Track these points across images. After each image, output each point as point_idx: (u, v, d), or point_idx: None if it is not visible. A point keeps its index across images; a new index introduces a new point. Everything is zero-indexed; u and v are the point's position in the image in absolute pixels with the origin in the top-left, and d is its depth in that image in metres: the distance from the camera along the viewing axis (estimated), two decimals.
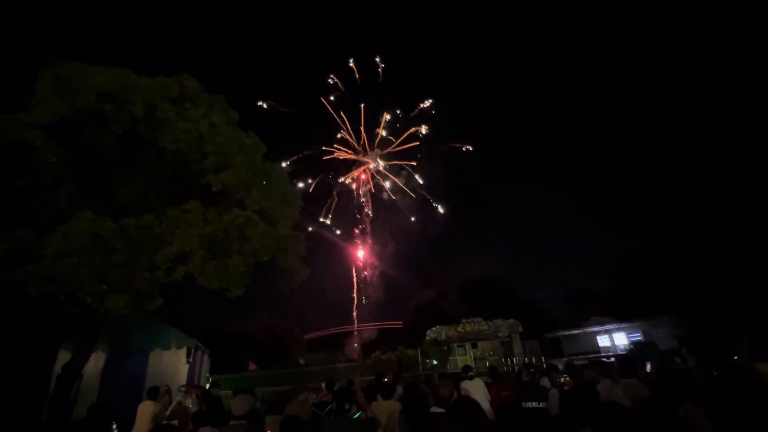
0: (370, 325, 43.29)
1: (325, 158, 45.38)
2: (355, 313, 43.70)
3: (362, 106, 45.20)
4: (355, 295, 44.70)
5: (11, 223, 6.60)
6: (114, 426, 6.43)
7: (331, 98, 45.60)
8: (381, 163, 46.22)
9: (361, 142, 46.33)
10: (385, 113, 45.60)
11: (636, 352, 15.10)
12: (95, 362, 9.35)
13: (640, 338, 21.02)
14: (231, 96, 9.82)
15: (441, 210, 45.19)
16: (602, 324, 23.46)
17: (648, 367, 8.06)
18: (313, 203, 44.61)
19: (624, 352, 19.48)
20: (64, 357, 8.04)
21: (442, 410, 3.27)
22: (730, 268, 20.21)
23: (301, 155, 44.39)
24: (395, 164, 46.64)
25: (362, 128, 45.71)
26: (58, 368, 7.75)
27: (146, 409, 6.21)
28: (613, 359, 14.14)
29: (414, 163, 45.87)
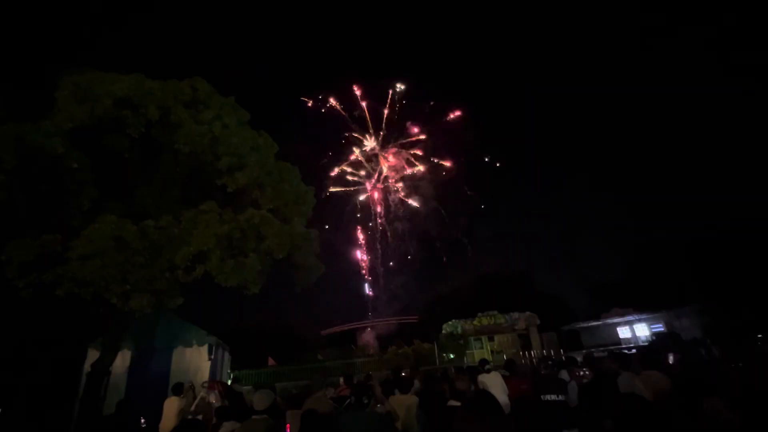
0: (387, 320, 43.53)
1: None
2: (370, 309, 44.05)
3: (390, 92, 45.06)
4: (371, 291, 45.04)
5: (39, 228, 6.87)
6: (142, 420, 6.68)
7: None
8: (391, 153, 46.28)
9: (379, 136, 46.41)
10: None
11: (658, 343, 14.76)
12: (122, 360, 9.69)
13: (662, 329, 20.52)
14: (241, 95, 9.93)
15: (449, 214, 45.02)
16: (623, 315, 22.95)
17: (670, 359, 7.88)
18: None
19: (645, 344, 19.06)
20: (92, 355, 8.37)
21: (459, 403, 3.28)
22: (754, 257, 19.51)
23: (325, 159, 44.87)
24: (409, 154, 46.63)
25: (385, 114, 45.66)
26: (87, 366, 8.07)
27: (172, 405, 6.43)
28: (634, 351, 13.87)
29: (421, 153, 45.74)
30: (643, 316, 21.98)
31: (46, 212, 7.42)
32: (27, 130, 6.91)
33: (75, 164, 7.32)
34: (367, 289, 46.10)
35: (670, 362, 7.69)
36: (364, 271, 46.99)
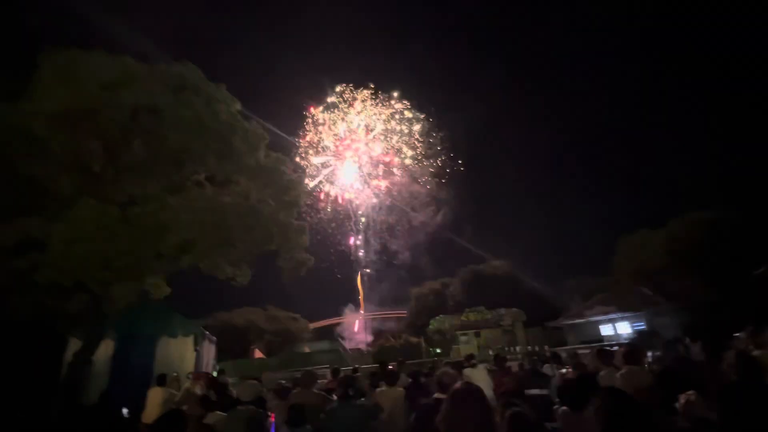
0: (375, 314, 43.76)
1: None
2: (359, 302, 44.19)
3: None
4: (360, 283, 45.17)
5: (18, 212, 6.66)
6: (125, 411, 6.59)
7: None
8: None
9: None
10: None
11: (639, 340, 15.14)
12: (105, 350, 9.50)
13: (643, 327, 21.05)
14: (232, 83, 9.75)
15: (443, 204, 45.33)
16: (606, 313, 23.49)
17: (650, 356, 8.08)
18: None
19: (627, 341, 19.54)
20: (74, 345, 8.18)
21: (445, 396, 3.31)
22: (732, 256, 20.12)
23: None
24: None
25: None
26: (69, 356, 7.90)
27: (156, 396, 6.37)
28: (616, 348, 14.20)
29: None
30: (626, 315, 22.52)
31: (26, 197, 7.19)
32: (6, 111, 6.67)
33: (57, 147, 7.10)
34: (357, 282, 46.22)
35: (650, 359, 7.89)
36: (353, 262, 47.06)
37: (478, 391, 1.66)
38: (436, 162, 47.14)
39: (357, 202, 48.12)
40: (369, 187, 48.24)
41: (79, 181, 7.55)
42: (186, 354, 11.68)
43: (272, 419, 3.48)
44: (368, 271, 47.48)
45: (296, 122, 47.51)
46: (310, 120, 45.99)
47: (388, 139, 47.17)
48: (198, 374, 8.17)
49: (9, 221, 6.46)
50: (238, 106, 9.54)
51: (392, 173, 47.56)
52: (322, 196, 46.70)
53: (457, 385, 1.84)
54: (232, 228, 7.89)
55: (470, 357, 6.99)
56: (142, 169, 8.41)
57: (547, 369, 6.22)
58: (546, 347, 20.72)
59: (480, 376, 5.90)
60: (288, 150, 43.58)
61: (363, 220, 48.15)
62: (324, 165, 46.31)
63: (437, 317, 25.74)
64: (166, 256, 7.38)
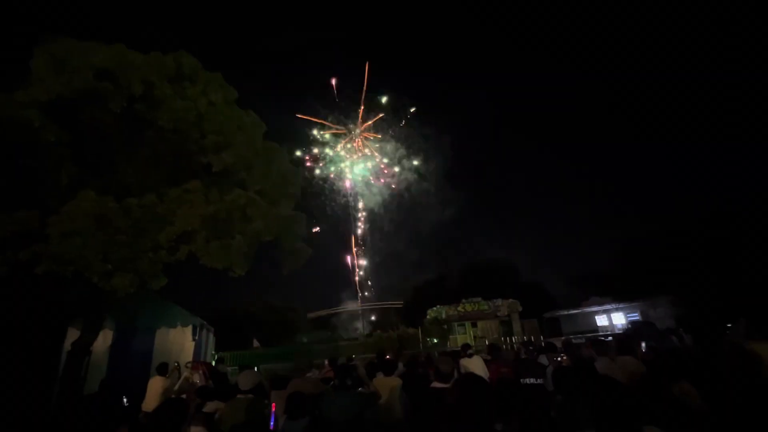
0: (373, 305, 44.02)
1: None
2: (357, 293, 44.45)
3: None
4: (357, 275, 45.36)
5: (15, 204, 6.62)
6: (124, 400, 6.67)
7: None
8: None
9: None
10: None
11: (633, 331, 15.32)
12: (103, 339, 9.55)
13: (638, 318, 21.33)
14: (229, 72, 9.62)
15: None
16: (601, 304, 23.77)
17: (644, 346, 8.20)
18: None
19: (621, 332, 19.80)
20: (73, 335, 8.21)
21: (443, 385, 3.36)
22: (727, 250, 20.26)
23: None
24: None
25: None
26: (67, 346, 7.93)
27: (156, 385, 6.43)
28: (610, 338, 14.38)
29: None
30: (621, 306, 22.80)
31: (22, 188, 7.14)
32: (2, 101, 6.58)
33: (52, 138, 7.02)
34: (354, 273, 46.40)
35: (644, 350, 8.01)
36: (351, 256, 47.23)
37: (481, 380, 1.69)
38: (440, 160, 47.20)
39: (361, 198, 48.20)
40: (374, 183, 48.35)
41: (76, 172, 7.49)
42: (185, 344, 11.76)
43: (273, 408, 3.52)
44: (367, 263, 47.64)
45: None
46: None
47: (394, 142, 47.25)
48: (197, 363, 8.22)
49: (7, 213, 6.42)
50: (235, 94, 9.43)
51: (397, 173, 47.68)
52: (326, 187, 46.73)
53: (458, 375, 1.87)
54: (231, 219, 7.87)
55: (466, 347, 7.07)
56: (139, 159, 8.35)
57: (542, 359, 6.30)
58: (541, 337, 20.96)
59: (476, 366, 5.98)
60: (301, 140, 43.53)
61: (365, 213, 48.22)
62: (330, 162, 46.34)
63: (434, 307, 25.90)
64: (164, 247, 7.37)
